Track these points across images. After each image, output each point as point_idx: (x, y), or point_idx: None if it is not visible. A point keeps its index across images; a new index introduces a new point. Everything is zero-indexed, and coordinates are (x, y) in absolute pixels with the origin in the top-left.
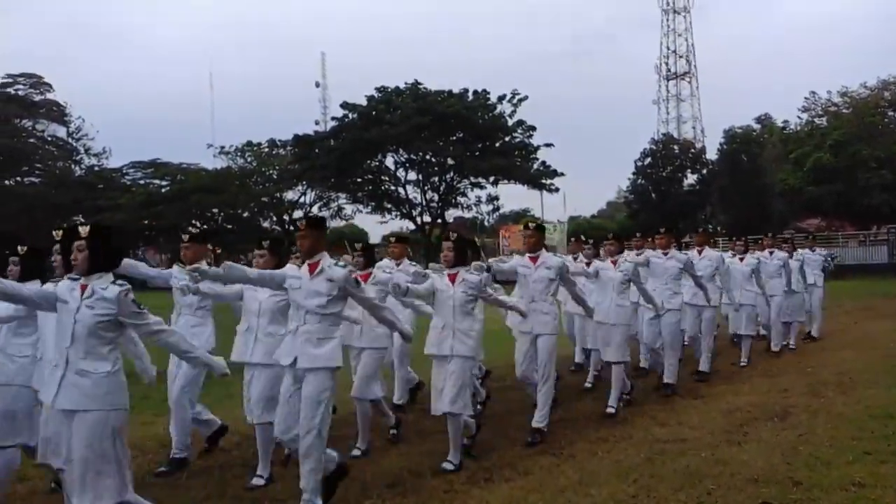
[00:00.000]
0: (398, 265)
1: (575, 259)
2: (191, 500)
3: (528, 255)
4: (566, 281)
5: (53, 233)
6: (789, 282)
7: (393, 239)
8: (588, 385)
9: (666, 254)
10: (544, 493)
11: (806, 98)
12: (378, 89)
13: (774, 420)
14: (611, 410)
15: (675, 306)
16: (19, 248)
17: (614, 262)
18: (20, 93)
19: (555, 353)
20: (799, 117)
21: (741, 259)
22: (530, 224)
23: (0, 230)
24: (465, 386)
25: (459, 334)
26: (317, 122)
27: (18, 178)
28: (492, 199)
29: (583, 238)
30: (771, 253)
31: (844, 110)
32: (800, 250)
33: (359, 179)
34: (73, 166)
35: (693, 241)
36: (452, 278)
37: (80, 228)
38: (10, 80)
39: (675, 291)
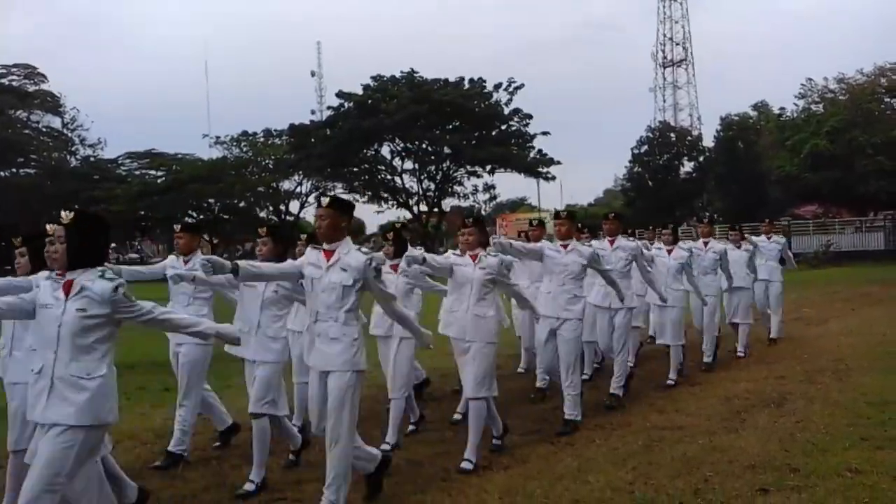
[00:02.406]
0: (186, 260)
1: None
2: (189, 491)
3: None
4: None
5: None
6: (729, 277)
7: (177, 227)
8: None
9: (565, 246)
10: (542, 480)
11: (802, 85)
12: (374, 78)
13: (771, 407)
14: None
15: (575, 315)
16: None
17: (474, 258)
18: (14, 83)
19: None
20: (795, 104)
21: (669, 251)
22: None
23: None
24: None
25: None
26: (313, 112)
27: (13, 170)
28: (488, 187)
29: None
30: (706, 244)
31: (841, 97)
32: (753, 238)
33: (355, 169)
34: (68, 157)
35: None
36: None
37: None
38: (4, 71)
39: (577, 295)
